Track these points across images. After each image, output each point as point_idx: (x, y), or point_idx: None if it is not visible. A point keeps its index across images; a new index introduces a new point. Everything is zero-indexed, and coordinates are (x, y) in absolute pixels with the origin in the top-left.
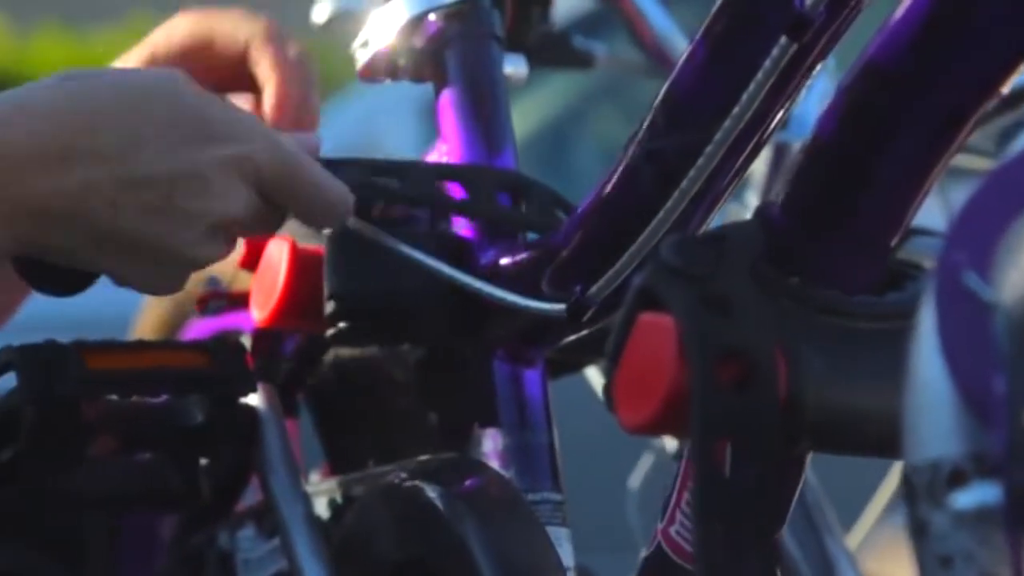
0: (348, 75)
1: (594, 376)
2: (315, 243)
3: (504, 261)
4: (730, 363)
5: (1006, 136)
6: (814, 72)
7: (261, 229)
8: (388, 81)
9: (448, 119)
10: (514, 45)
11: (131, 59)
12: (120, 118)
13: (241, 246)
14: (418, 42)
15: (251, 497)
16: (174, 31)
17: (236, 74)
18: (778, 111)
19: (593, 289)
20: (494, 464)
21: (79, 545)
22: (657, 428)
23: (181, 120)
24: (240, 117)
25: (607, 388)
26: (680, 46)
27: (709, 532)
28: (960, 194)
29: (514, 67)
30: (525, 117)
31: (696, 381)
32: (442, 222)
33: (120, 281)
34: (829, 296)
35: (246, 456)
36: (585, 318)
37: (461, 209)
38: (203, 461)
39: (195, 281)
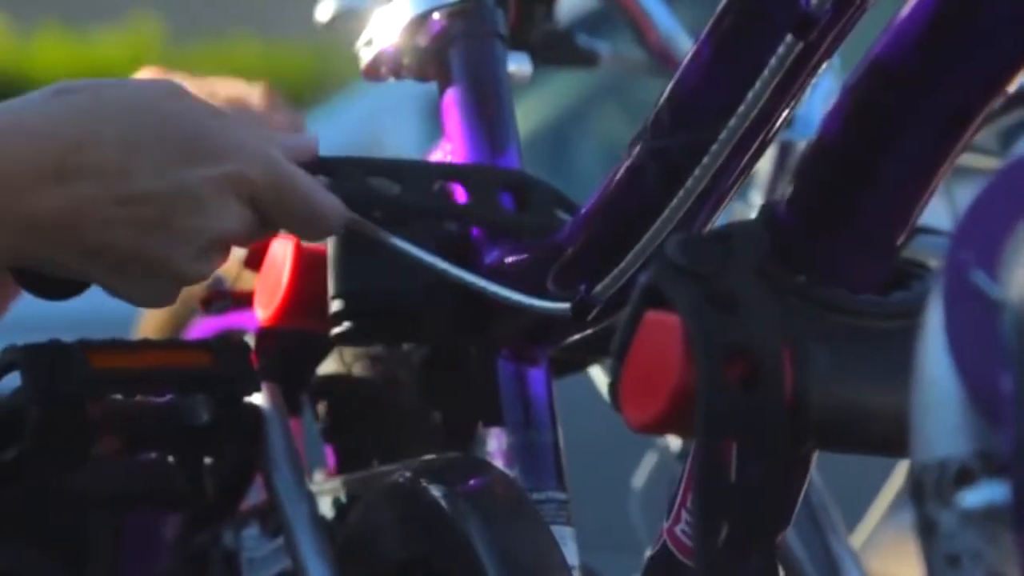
0: (352, 74)
1: (598, 375)
2: (319, 242)
3: (508, 260)
4: (736, 362)
5: (1010, 135)
6: (819, 71)
7: (252, 242)
8: (392, 80)
9: (452, 118)
10: (518, 44)
11: None
12: (114, 134)
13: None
14: (422, 41)
15: (255, 496)
16: None
17: None
18: (783, 110)
19: (598, 288)
20: (498, 463)
21: (83, 545)
22: (663, 427)
23: (175, 136)
24: (234, 132)
25: (612, 387)
26: (684, 45)
27: (711, 531)
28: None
29: (518, 65)
30: (527, 116)
31: (702, 380)
32: (445, 221)
33: (113, 293)
34: (835, 295)
35: (250, 455)
36: (590, 317)
37: (459, 214)
38: (207, 460)
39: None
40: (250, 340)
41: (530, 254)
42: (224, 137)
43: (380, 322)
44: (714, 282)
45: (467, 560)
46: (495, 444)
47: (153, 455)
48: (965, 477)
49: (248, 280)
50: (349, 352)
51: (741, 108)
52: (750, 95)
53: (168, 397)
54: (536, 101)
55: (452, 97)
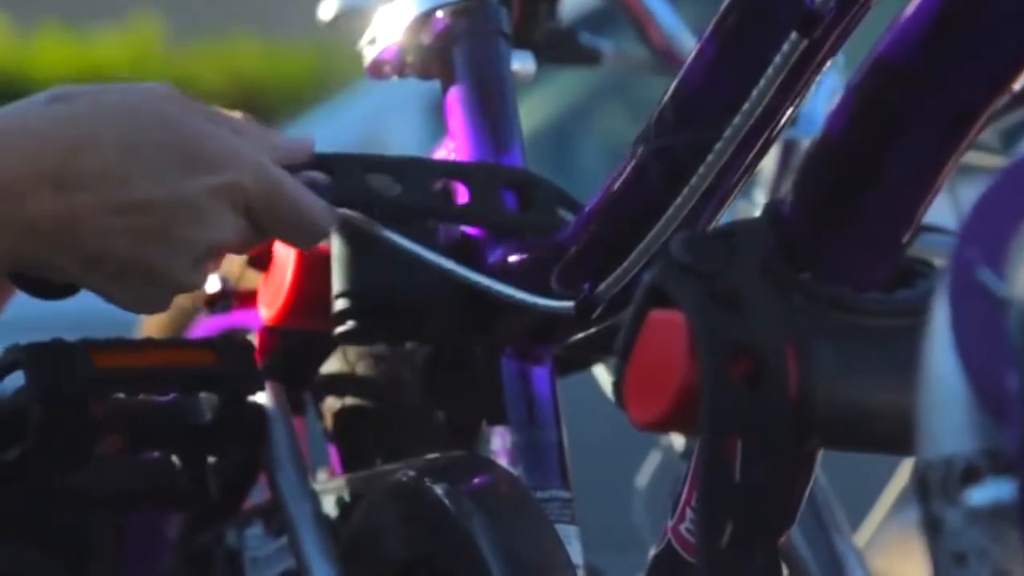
0: (354, 73)
1: (601, 374)
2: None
3: (512, 259)
4: (741, 360)
5: (1013, 133)
6: (824, 69)
7: (244, 251)
8: (395, 78)
9: (456, 116)
10: (521, 42)
11: None
12: (113, 140)
13: None
14: (425, 39)
15: (259, 495)
16: None
17: None
18: (787, 108)
19: (602, 286)
20: (502, 462)
21: (85, 544)
22: (667, 425)
23: (174, 142)
24: (230, 139)
25: (617, 385)
26: (687, 43)
27: (716, 530)
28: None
29: (521, 64)
30: (530, 115)
31: (706, 378)
32: (447, 220)
33: (107, 299)
34: (840, 293)
35: (254, 454)
36: (594, 316)
37: (460, 213)
38: (211, 459)
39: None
40: (254, 339)
41: (534, 253)
42: (222, 144)
43: (383, 321)
44: (718, 280)
45: (471, 559)
46: (499, 443)
47: (156, 454)
48: (971, 475)
49: (251, 279)
50: (352, 351)
51: (745, 106)
52: (754, 93)
53: (171, 396)
54: (539, 100)
55: (456, 95)
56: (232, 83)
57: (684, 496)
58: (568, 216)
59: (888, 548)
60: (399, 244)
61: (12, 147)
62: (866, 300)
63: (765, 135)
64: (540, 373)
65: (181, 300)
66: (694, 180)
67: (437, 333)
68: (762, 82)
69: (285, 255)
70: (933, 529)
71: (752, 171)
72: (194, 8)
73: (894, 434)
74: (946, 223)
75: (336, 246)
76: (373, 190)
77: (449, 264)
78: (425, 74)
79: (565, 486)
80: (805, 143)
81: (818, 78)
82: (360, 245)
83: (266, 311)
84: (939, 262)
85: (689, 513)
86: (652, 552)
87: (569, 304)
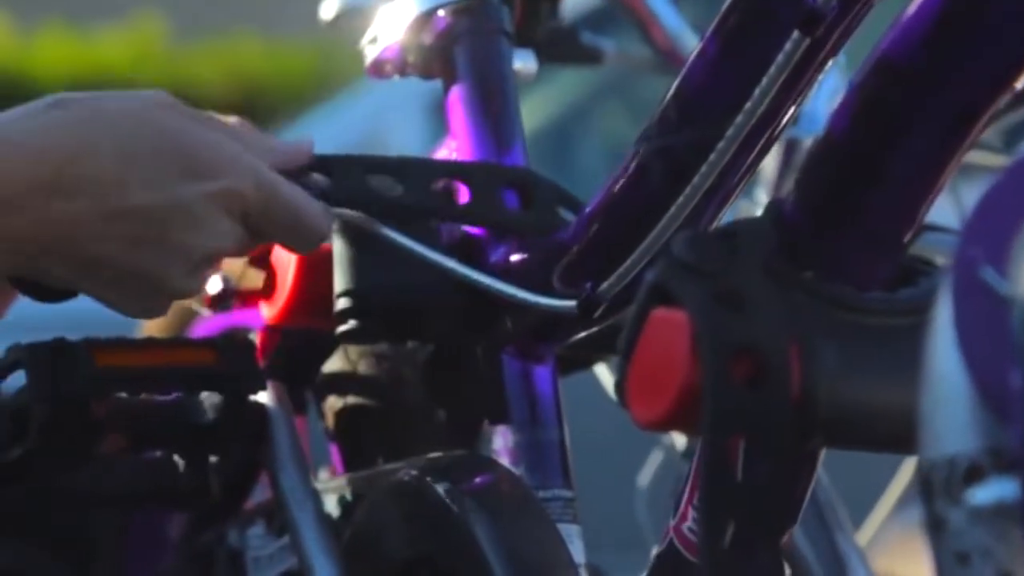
0: (355, 72)
1: (603, 373)
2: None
3: (514, 258)
4: (743, 359)
5: (1015, 132)
6: (825, 68)
7: (241, 255)
8: (396, 78)
9: (457, 116)
10: (523, 41)
11: None
12: (110, 147)
13: None
14: (427, 38)
15: (260, 494)
16: None
17: None
18: (789, 107)
19: (604, 285)
20: (504, 461)
21: (88, 543)
22: (670, 424)
23: (171, 149)
24: (225, 146)
25: (619, 384)
26: (689, 42)
27: (719, 529)
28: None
29: (523, 63)
30: (531, 114)
31: (708, 378)
32: (448, 220)
33: (106, 304)
34: (842, 292)
35: (255, 454)
36: (596, 315)
37: (460, 213)
38: (212, 459)
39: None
40: (255, 338)
41: (536, 252)
42: (219, 151)
43: (385, 320)
44: (721, 280)
45: (473, 558)
46: (501, 442)
47: (158, 454)
48: (974, 474)
49: (253, 278)
50: (354, 350)
51: (747, 105)
52: (756, 92)
53: (173, 395)
54: (540, 99)
55: (457, 95)
56: (233, 82)
57: (686, 495)
58: (569, 216)
59: (891, 547)
60: (401, 243)
61: (10, 155)
62: (868, 299)
63: (767, 134)
64: (542, 372)
65: (182, 300)
66: (696, 179)
67: (439, 332)
68: (764, 81)
69: (287, 255)
70: (936, 529)
71: (754, 170)
72: (195, 7)
73: (897, 433)
74: (948, 222)
75: (338, 245)
76: (373, 191)
77: (451, 263)
78: (426, 73)
79: (567, 485)
80: (807, 142)
81: (820, 77)
82: (362, 244)
83: (268, 310)
84: (941, 261)
85: (691, 512)
86: (654, 551)
87: (571, 303)
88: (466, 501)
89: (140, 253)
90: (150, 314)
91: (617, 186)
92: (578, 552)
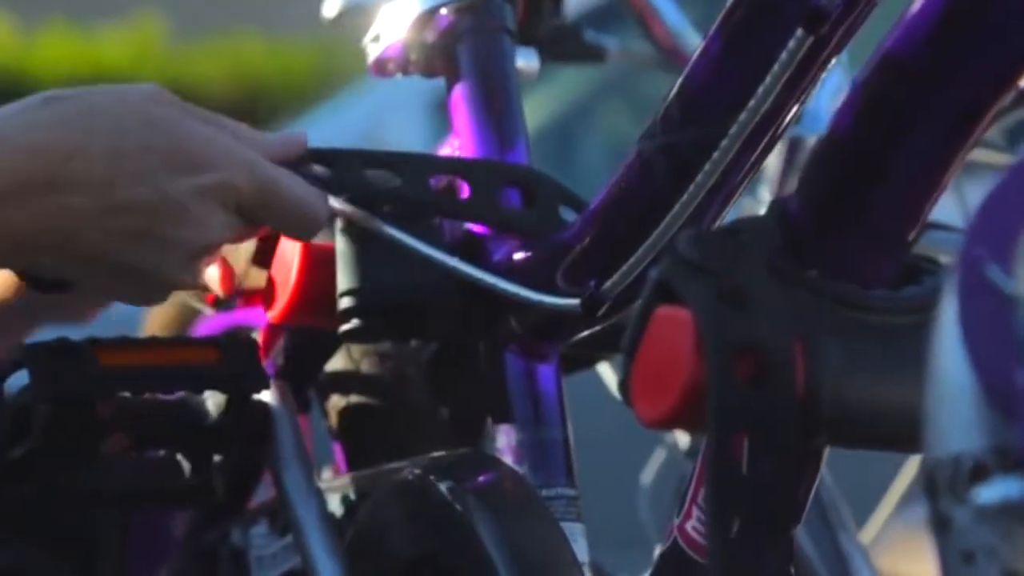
0: (357, 70)
1: (606, 372)
2: (327, 239)
3: (518, 256)
4: (747, 357)
5: (1016, 131)
6: (829, 66)
7: (239, 241)
8: (399, 76)
9: (460, 114)
10: (526, 39)
11: None
12: (101, 145)
13: (253, 242)
14: (430, 36)
15: (264, 493)
16: None
17: None
18: (793, 105)
19: (608, 284)
20: (508, 460)
21: (91, 543)
22: (674, 422)
23: (161, 144)
24: (217, 140)
25: (623, 382)
26: (692, 40)
27: (724, 527)
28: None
29: (526, 61)
30: (533, 113)
31: (712, 376)
32: (446, 216)
33: (106, 295)
34: (846, 290)
35: (259, 453)
36: (600, 313)
37: (459, 209)
38: (216, 458)
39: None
40: (258, 337)
41: (539, 250)
42: (210, 144)
43: (388, 319)
44: (725, 278)
45: (477, 557)
46: (504, 441)
47: (162, 453)
48: (979, 473)
49: (256, 277)
50: (357, 349)
51: (751, 103)
52: (760, 90)
53: (177, 395)
54: (542, 98)
55: (460, 93)
56: (235, 81)
57: (690, 494)
58: (572, 214)
59: (894, 546)
60: (404, 242)
61: (3, 155)
62: (872, 297)
63: (770, 132)
64: (546, 371)
65: (185, 298)
66: (700, 177)
67: (442, 331)
68: (768, 79)
69: (290, 253)
70: (941, 527)
71: (757, 168)
72: (196, 6)
73: (901, 432)
74: (952, 220)
75: (340, 244)
76: (371, 183)
77: (454, 262)
78: (429, 71)
79: (571, 484)
80: (810, 141)
81: (823, 76)
82: (364, 243)
83: (271, 309)
84: (945, 259)
85: (695, 511)
86: (657, 550)
87: (575, 301)
88: (470, 500)
89: (135, 247)
90: (149, 303)
91: (620, 184)
92: (582, 550)
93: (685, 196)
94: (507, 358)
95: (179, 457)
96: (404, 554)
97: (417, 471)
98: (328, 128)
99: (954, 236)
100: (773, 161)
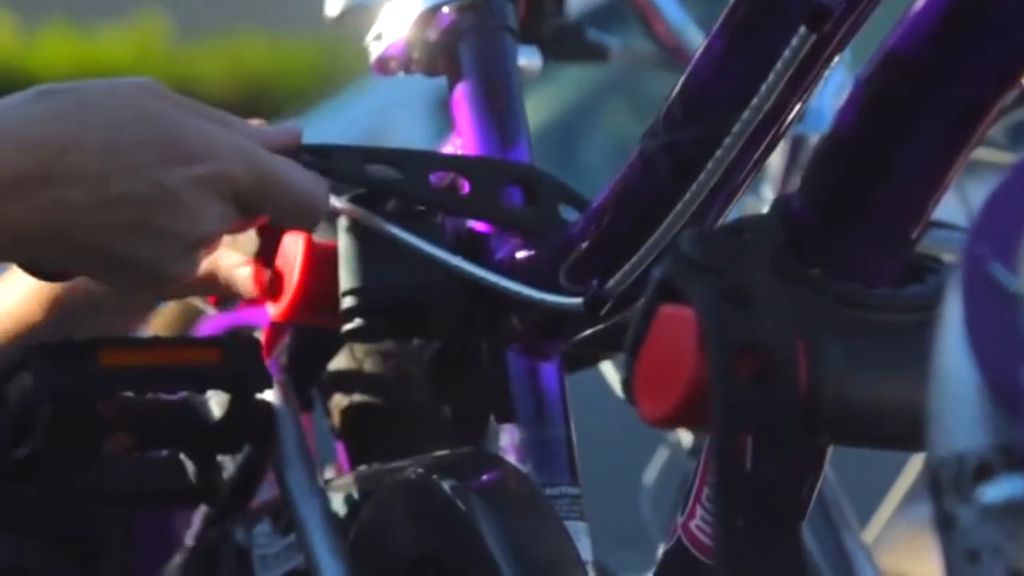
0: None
1: (608, 371)
2: (330, 238)
3: (520, 255)
4: (750, 356)
5: (1020, 129)
6: (832, 64)
7: (237, 233)
8: (401, 75)
9: (462, 112)
10: (528, 37)
11: None
12: (96, 138)
13: (255, 241)
14: (432, 35)
15: (267, 493)
16: None
17: None
18: (796, 103)
19: (610, 282)
20: (511, 459)
21: (94, 543)
22: (677, 421)
23: (155, 137)
24: (213, 131)
25: (626, 380)
26: (694, 39)
27: (730, 525)
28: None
29: (528, 59)
30: (535, 112)
31: (716, 374)
32: (445, 213)
33: (105, 283)
34: (850, 288)
35: (262, 452)
36: (603, 312)
37: (459, 206)
38: (219, 457)
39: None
40: (260, 336)
41: (542, 249)
42: (204, 136)
43: (391, 318)
44: (728, 276)
45: (480, 556)
46: (507, 439)
47: (164, 453)
48: (984, 472)
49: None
50: (360, 348)
51: (754, 101)
52: (763, 88)
53: (179, 394)
54: (544, 96)
55: (462, 91)
56: (237, 80)
57: (694, 493)
58: (572, 213)
59: (897, 545)
60: (407, 240)
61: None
62: (876, 296)
63: (773, 131)
64: (548, 369)
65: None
66: (702, 176)
67: (444, 330)
68: (771, 77)
69: (293, 251)
70: (946, 526)
71: (760, 167)
72: (198, 6)
73: (904, 430)
74: (954, 219)
75: (343, 243)
76: (372, 177)
77: (457, 260)
78: (431, 70)
79: (574, 482)
80: (813, 139)
81: (826, 74)
82: (367, 242)
83: (274, 308)
84: (948, 258)
85: (699, 510)
86: (660, 548)
87: (577, 300)
88: (473, 499)
89: (131, 240)
90: (148, 292)
91: (623, 183)
92: (585, 549)
93: (688, 195)
94: (510, 357)
95: (182, 457)
96: (407, 553)
97: (420, 470)
98: (331, 127)
99: (957, 234)
100: (776, 159)
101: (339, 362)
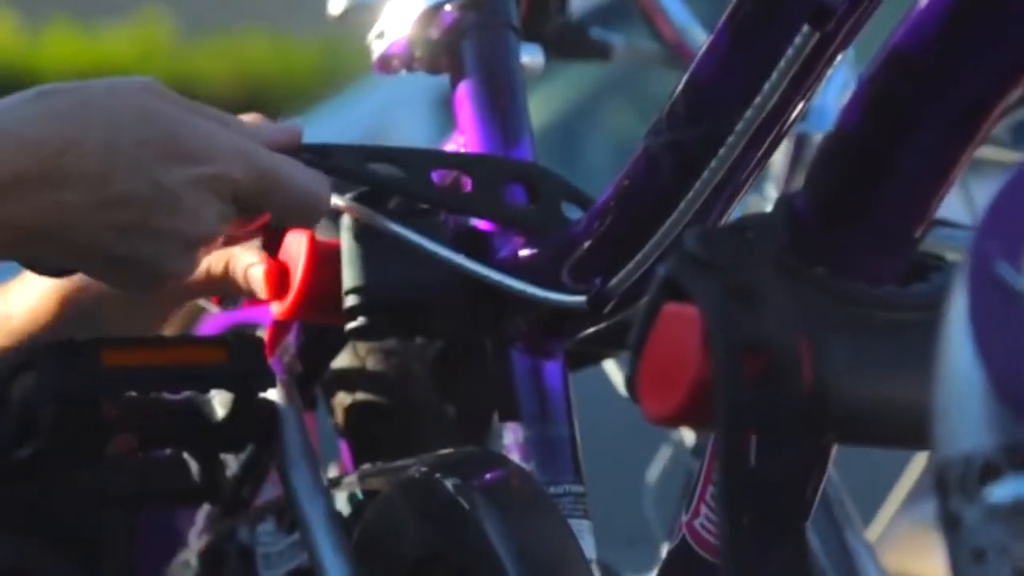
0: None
1: (611, 369)
2: (334, 236)
3: (523, 253)
4: (755, 355)
5: (1022, 129)
6: (835, 62)
7: (238, 232)
8: (404, 73)
9: (465, 110)
10: (530, 35)
11: None
12: (95, 139)
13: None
14: (434, 33)
15: (271, 491)
16: None
17: None
18: (799, 101)
19: (614, 281)
20: (515, 457)
21: (98, 542)
22: (681, 419)
23: (154, 137)
24: (213, 131)
25: (630, 379)
26: (698, 37)
27: (735, 524)
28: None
29: (530, 57)
30: (537, 111)
31: (720, 373)
32: (447, 210)
33: (104, 282)
34: (854, 287)
35: (266, 451)
36: (606, 310)
37: (460, 204)
38: (223, 456)
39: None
40: (263, 334)
41: (545, 247)
42: (204, 137)
43: (394, 316)
44: (732, 275)
45: (484, 555)
46: (511, 438)
47: (168, 452)
48: (990, 472)
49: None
50: (363, 346)
51: (757, 99)
52: (766, 86)
53: (183, 393)
54: (545, 95)
55: (465, 89)
56: (240, 79)
57: (699, 491)
58: (574, 211)
59: (900, 543)
60: (410, 239)
61: None
62: (880, 294)
63: (776, 129)
64: (552, 367)
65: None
66: (706, 174)
67: (448, 328)
68: (774, 75)
69: (296, 249)
70: (951, 526)
71: (764, 165)
72: (202, 4)
73: (909, 429)
74: (958, 217)
75: (346, 242)
76: (373, 175)
77: (460, 258)
78: (434, 68)
79: (578, 480)
80: (816, 137)
81: (829, 72)
82: (370, 241)
83: (277, 306)
84: (952, 256)
85: (704, 508)
86: (662, 547)
87: (581, 298)
88: (477, 497)
89: (131, 240)
90: (148, 291)
91: (626, 181)
92: (589, 547)
93: (691, 193)
94: (513, 355)
95: (185, 456)
96: (411, 552)
97: (424, 469)
98: (333, 125)
99: (961, 233)
100: (779, 158)
101: (342, 360)
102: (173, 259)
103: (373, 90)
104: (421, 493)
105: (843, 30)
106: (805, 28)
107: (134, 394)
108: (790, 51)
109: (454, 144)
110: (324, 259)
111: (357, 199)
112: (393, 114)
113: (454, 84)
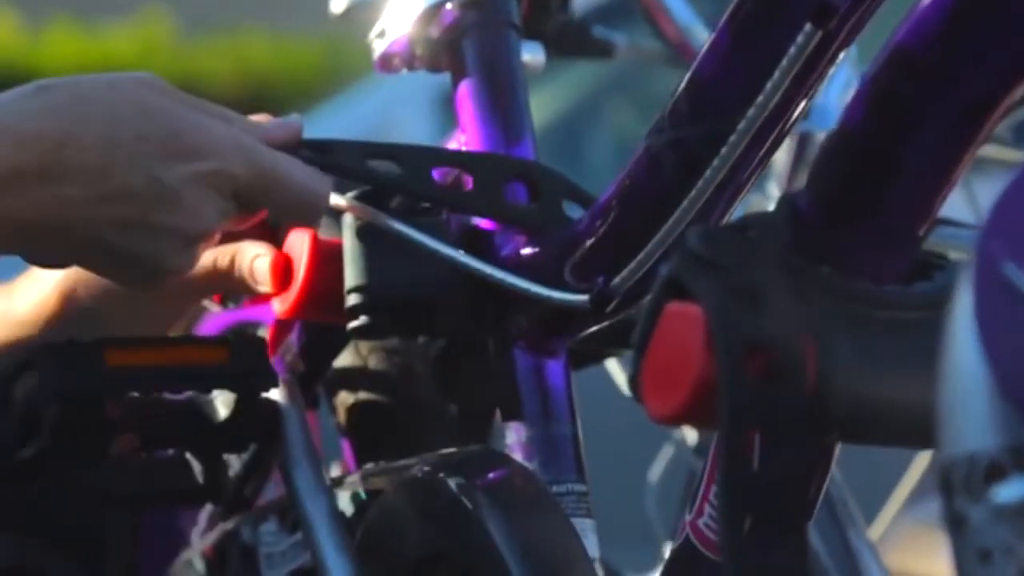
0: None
1: (614, 368)
2: (336, 235)
3: (526, 251)
4: (758, 354)
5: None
6: (837, 61)
7: (237, 228)
8: (405, 71)
9: (466, 109)
10: (532, 33)
11: None
12: (94, 133)
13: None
14: (435, 32)
15: (273, 491)
16: None
17: None
18: (801, 100)
19: (616, 279)
20: (517, 456)
21: (101, 542)
22: (684, 418)
23: (154, 132)
24: (212, 127)
25: (633, 378)
26: (700, 36)
27: (737, 524)
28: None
29: (532, 55)
30: (539, 110)
31: (724, 372)
32: (448, 209)
33: (103, 277)
34: (858, 286)
35: (268, 450)
36: (609, 308)
37: (461, 202)
38: (225, 456)
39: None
40: (265, 333)
41: (548, 245)
42: (203, 132)
43: (396, 315)
44: (736, 274)
45: (487, 554)
46: (514, 437)
47: (171, 452)
48: (995, 472)
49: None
50: (365, 345)
51: (760, 98)
52: (768, 85)
53: (185, 393)
54: (547, 94)
55: (466, 88)
56: (241, 78)
57: (702, 490)
58: (576, 209)
59: (903, 542)
60: (412, 237)
61: None
62: (884, 293)
63: (779, 127)
64: (555, 366)
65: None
66: (708, 172)
67: (450, 327)
68: (776, 74)
69: (298, 249)
70: (957, 526)
71: (766, 164)
72: (203, 3)
73: (913, 428)
74: (961, 216)
75: (348, 240)
76: (374, 172)
77: (462, 257)
78: (435, 67)
79: (581, 479)
80: (818, 136)
81: (832, 70)
82: (372, 239)
83: (279, 305)
84: (955, 255)
85: (707, 508)
86: (665, 546)
87: (583, 297)
88: (480, 496)
89: (129, 235)
90: (147, 288)
91: (629, 179)
92: (592, 546)
93: (694, 191)
94: (516, 354)
95: (188, 456)
96: (414, 551)
97: (427, 468)
98: (335, 124)
99: (964, 232)
100: (781, 156)
101: (344, 359)
102: (172, 255)
103: (374, 89)
104: (424, 492)
105: (845, 28)
106: (807, 26)
107: (137, 394)
108: (792, 49)
109: (455, 143)
110: (326, 258)
111: (359, 198)
112: (394, 113)
113: (455, 83)
